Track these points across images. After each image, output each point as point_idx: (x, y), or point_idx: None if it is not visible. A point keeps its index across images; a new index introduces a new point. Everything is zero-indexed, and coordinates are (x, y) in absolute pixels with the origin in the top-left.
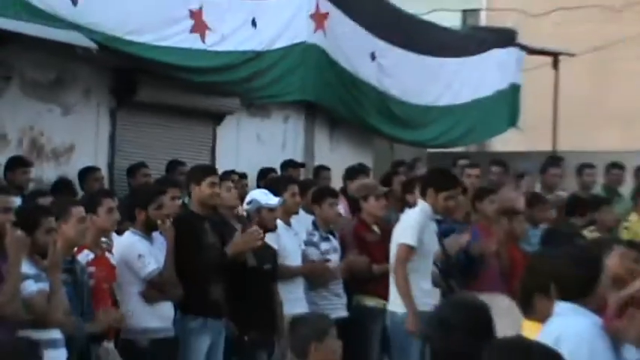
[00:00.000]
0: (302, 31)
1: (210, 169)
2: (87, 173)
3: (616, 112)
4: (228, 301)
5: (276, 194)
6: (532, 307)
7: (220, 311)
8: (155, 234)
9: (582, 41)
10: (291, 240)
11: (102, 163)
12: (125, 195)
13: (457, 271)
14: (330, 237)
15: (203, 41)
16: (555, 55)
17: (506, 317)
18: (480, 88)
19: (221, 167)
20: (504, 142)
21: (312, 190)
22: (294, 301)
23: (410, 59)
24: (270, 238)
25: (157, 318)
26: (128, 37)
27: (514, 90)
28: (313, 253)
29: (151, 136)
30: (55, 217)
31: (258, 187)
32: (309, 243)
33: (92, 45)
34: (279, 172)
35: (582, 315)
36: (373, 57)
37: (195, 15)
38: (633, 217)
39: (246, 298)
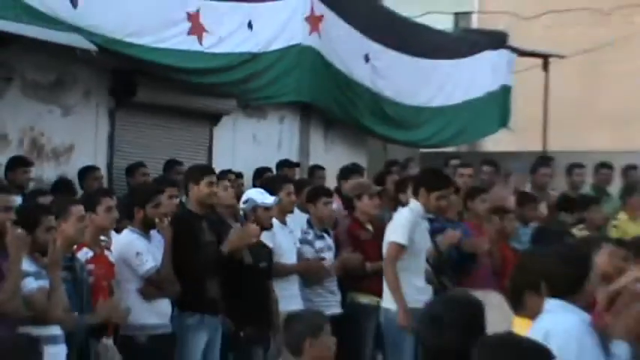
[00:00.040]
0: (297, 34)
1: (208, 169)
2: (86, 173)
3: (605, 113)
4: (224, 298)
5: (271, 193)
6: (522, 304)
7: (217, 308)
8: (153, 232)
9: (572, 44)
10: (287, 238)
11: (101, 163)
12: (124, 194)
13: (449, 268)
14: (325, 235)
15: (200, 43)
16: (545, 57)
17: (498, 313)
18: (472, 90)
19: (218, 167)
20: (495, 143)
21: (307, 189)
22: (289, 298)
23: (403, 61)
24: (265, 237)
25: (154, 314)
26: (127, 40)
27: (505, 91)
28: (308, 251)
29: (150, 136)
30: (54, 215)
31: (254, 186)
32: (303, 241)
33: (92, 47)
34: (274, 171)
35: (571, 312)
36: (367, 59)
37: (193, 18)
38: (622, 216)
39: (243, 295)
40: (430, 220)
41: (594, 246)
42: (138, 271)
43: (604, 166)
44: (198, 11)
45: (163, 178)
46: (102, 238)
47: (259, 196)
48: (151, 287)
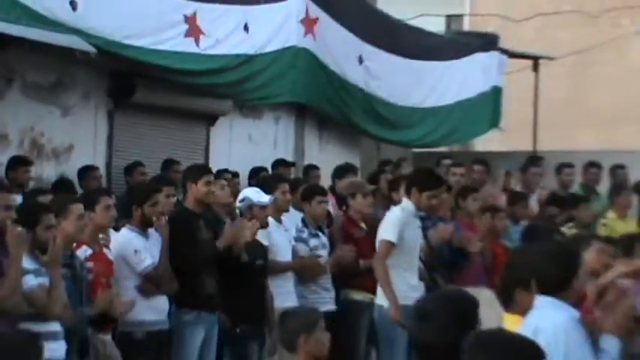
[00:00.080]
0: (292, 36)
1: (206, 169)
2: (86, 172)
3: (593, 113)
4: (221, 294)
5: (267, 192)
6: (513, 301)
7: (214, 305)
8: (151, 230)
9: (562, 46)
10: (282, 236)
11: (100, 163)
12: (123, 193)
13: (441, 266)
14: (319, 233)
15: (197, 45)
16: (535, 59)
17: (489, 310)
18: (464, 91)
19: (214, 166)
20: (486, 142)
21: (302, 188)
22: (284, 295)
23: (396, 62)
24: (261, 235)
25: (152, 311)
26: (125, 42)
27: (496, 92)
28: (302, 249)
29: (148, 136)
30: (54, 214)
31: (250, 185)
32: (298, 239)
33: (91, 49)
34: (270, 171)
35: (561, 308)
36: (361, 60)
37: (190, 20)
38: (610, 214)
39: (239, 292)
40: (422, 219)
41: (583, 244)
42: (136, 268)
43: (592, 166)
44: (195, 14)
45: (161, 178)
46: (101, 236)
47: (255, 195)
48: (149, 284)
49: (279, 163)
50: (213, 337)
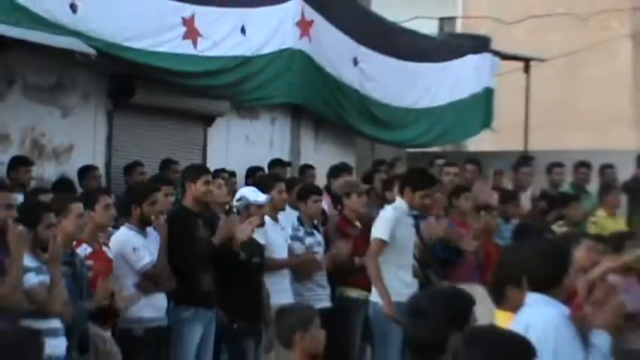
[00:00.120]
0: (288, 38)
1: (205, 169)
2: (85, 172)
3: (583, 114)
4: (218, 292)
5: (264, 191)
6: (504, 298)
7: (211, 302)
8: (149, 229)
9: (553, 48)
10: (278, 235)
11: (100, 162)
12: (122, 192)
13: (435, 262)
14: (315, 232)
15: (195, 47)
16: (527, 61)
17: (482, 306)
18: (456, 92)
19: (212, 166)
20: (479, 143)
21: (298, 187)
22: (280, 292)
23: (390, 64)
24: (258, 233)
25: (151, 308)
26: (125, 44)
27: (488, 93)
28: (298, 248)
29: (146, 136)
30: (55, 213)
31: (247, 184)
32: (294, 238)
33: (91, 51)
34: (266, 170)
35: (551, 305)
36: (355, 62)
37: (188, 22)
38: (600, 212)
39: (236, 289)
40: (415, 217)
41: (573, 242)
42: (135, 266)
43: (582, 165)
44: (193, 16)
45: (159, 177)
46: (100, 234)
47: (252, 194)
48: (148, 282)
49: (275, 163)
50: (211, 333)
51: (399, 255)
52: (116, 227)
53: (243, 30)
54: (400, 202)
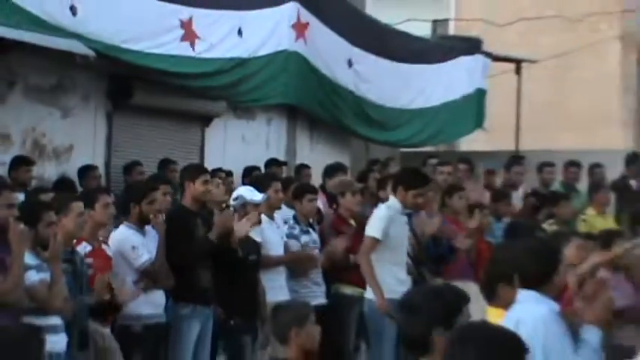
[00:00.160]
0: (284, 40)
1: (203, 168)
2: (85, 171)
3: (573, 115)
4: (216, 289)
5: (260, 191)
6: (496, 295)
7: (209, 299)
8: (148, 227)
9: (544, 49)
10: (274, 233)
11: (99, 162)
12: (121, 191)
13: (428, 259)
14: (310, 230)
15: (193, 49)
16: (518, 62)
17: (475, 303)
18: (449, 93)
19: (209, 165)
20: (471, 142)
21: (293, 186)
22: (276, 289)
23: (384, 66)
24: (254, 232)
25: (149, 305)
26: (124, 46)
27: (480, 94)
28: (294, 245)
29: (145, 136)
30: (55, 211)
31: (244, 184)
32: (290, 236)
33: (90, 53)
34: (263, 170)
35: (542, 302)
36: (350, 64)
37: (186, 25)
38: (590, 211)
39: (232, 286)
40: (408, 215)
41: (564, 240)
42: (134, 264)
43: (572, 165)
44: (190, 19)
45: (158, 176)
46: (100, 232)
47: (249, 193)
48: (146, 279)
49: (271, 163)
50: (209, 330)
51: (393, 253)
52: (115, 226)
53: (239, 32)
54: (393, 201)
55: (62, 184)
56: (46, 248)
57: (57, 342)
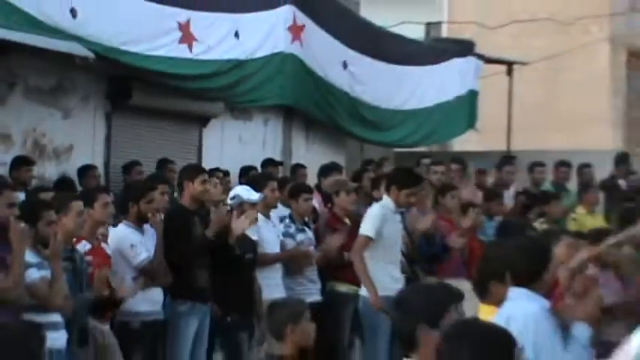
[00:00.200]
0: (280, 42)
1: (202, 168)
2: (85, 171)
3: (564, 116)
4: (213, 286)
5: (256, 190)
6: (488, 293)
7: (206, 296)
8: (146, 226)
9: (535, 52)
10: (270, 231)
11: (99, 162)
12: (120, 190)
13: (422, 258)
14: (306, 229)
15: (190, 51)
16: (509, 64)
17: (468, 301)
18: (442, 94)
19: (207, 165)
20: (463, 143)
21: (289, 186)
22: (272, 286)
23: (379, 67)
24: (251, 230)
25: (148, 302)
26: (123, 48)
27: (472, 95)
28: (290, 244)
29: (144, 137)
30: (55, 210)
31: (241, 183)
32: (286, 234)
33: (90, 54)
34: (259, 169)
35: (533, 299)
36: (345, 65)
37: (184, 27)
38: (580, 210)
39: (229, 284)
40: (402, 214)
41: (554, 238)
42: (132, 262)
43: (563, 165)
44: (188, 21)
45: (156, 176)
46: (99, 231)
47: (245, 192)
48: (145, 277)
49: (267, 163)
50: (206, 327)
51: (387, 251)
52: (114, 224)
53: (236, 34)
54: (387, 200)
55: (62, 183)
56: (46, 246)
57: (57, 339)
